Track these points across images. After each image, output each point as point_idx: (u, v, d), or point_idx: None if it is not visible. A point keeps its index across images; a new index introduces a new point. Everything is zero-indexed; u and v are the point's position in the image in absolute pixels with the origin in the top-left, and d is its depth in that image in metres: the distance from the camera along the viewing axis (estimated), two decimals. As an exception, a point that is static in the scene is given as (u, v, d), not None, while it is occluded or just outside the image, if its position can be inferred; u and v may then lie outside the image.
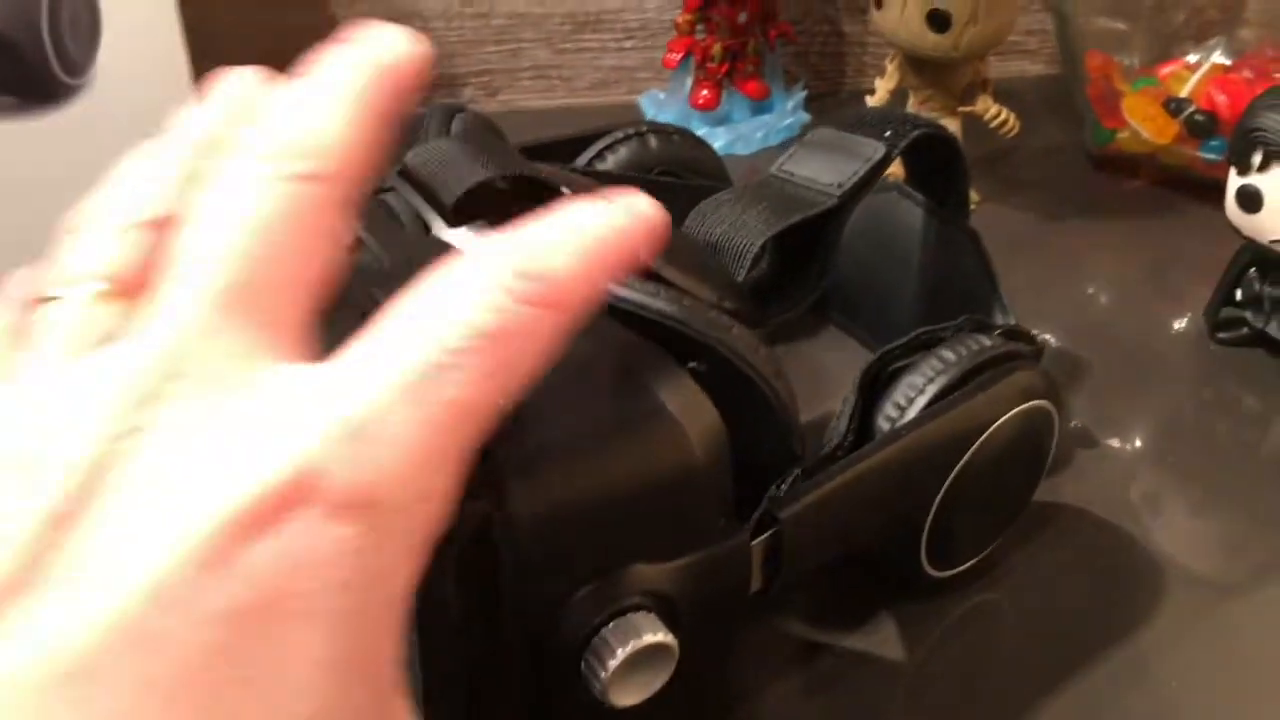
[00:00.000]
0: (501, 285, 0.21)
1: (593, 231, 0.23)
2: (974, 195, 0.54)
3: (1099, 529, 0.38)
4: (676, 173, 0.42)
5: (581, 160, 0.42)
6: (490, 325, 0.21)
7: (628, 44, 0.63)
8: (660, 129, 0.43)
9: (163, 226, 0.23)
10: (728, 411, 0.27)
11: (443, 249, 0.30)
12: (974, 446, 0.32)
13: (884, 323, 0.42)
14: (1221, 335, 0.46)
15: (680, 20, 0.57)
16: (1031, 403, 0.33)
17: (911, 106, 0.54)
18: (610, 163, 0.42)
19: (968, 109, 0.53)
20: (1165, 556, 0.37)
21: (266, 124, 0.23)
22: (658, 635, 0.25)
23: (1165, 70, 0.57)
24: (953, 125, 0.53)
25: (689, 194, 0.40)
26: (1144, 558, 0.37)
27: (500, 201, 0.31)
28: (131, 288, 0.22)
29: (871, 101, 0.55)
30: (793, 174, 0.37)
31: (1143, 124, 0.53)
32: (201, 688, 0.18)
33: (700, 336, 0.28)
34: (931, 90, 0.53)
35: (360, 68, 0.24)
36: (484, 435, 0.21)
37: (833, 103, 0.64)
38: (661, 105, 0.61)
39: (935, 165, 0.39)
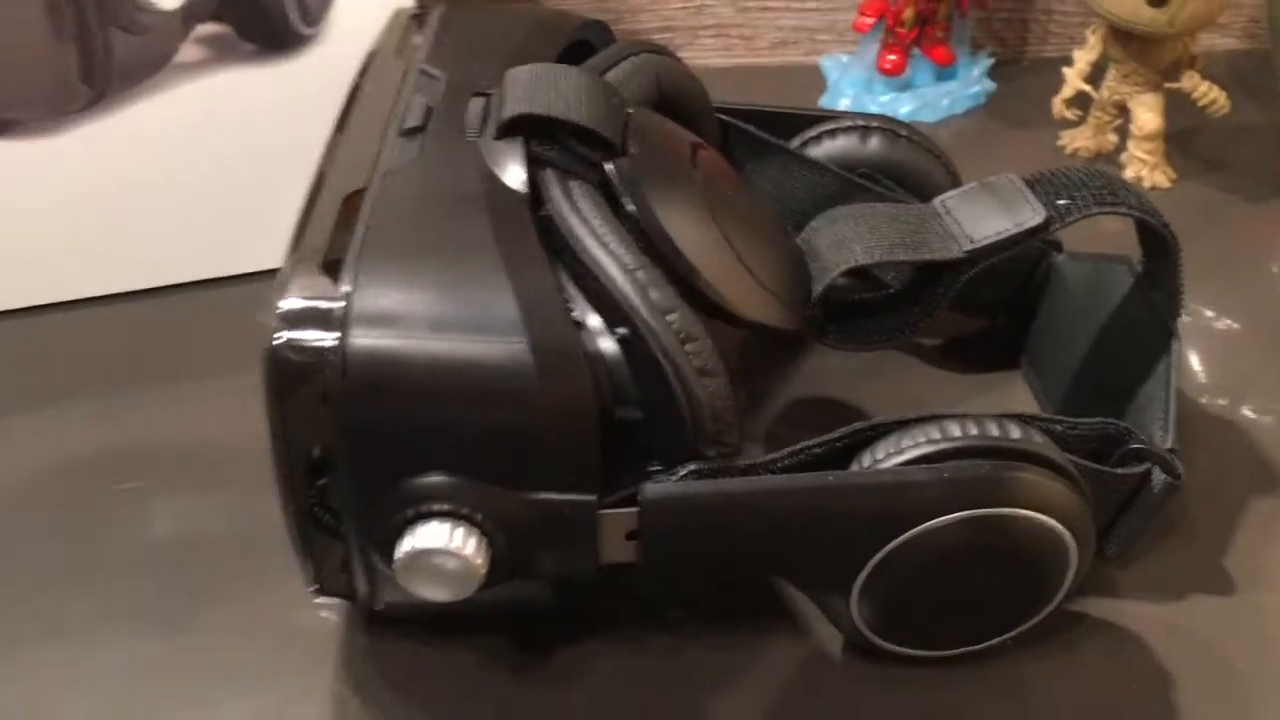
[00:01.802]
0: None
1: None
2: (1169, 174, 0.54)
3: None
4: (884, 174, 0.42)
5: (796, 141, 0.43)
6: None
7: (810, 5, 0.63)
8: (891, 126, 0.43)
9: None
10: (634, 387, 0.29)
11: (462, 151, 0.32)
12: (917, 529, 0.30)
13: (1059, 389, 0.41)
14: None
15: (875, -16, 0.57)
16: (1023, 512, 0.30)
17: (1110, 81, 0.54)
18: (824, 148, 0.42)
19: (1174, 86, 0.52)
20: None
21: None
22: (460, 545, 0.28)
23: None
24: (1154, 102, 0.53)
25: (878, 199, 0.40)
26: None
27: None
28: None
29: (1068, 73, 0.55)
30: (949, 210, 0.37)
31: (1354, 107, 0.52)
32: None
33: (625, 308, 0.29)
34: (1135, 64, 0.52)
35: None
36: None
37: (1017, 70, 0.63)
38: (845, 69, 0.61)
39: (1150, 247, 0.37)
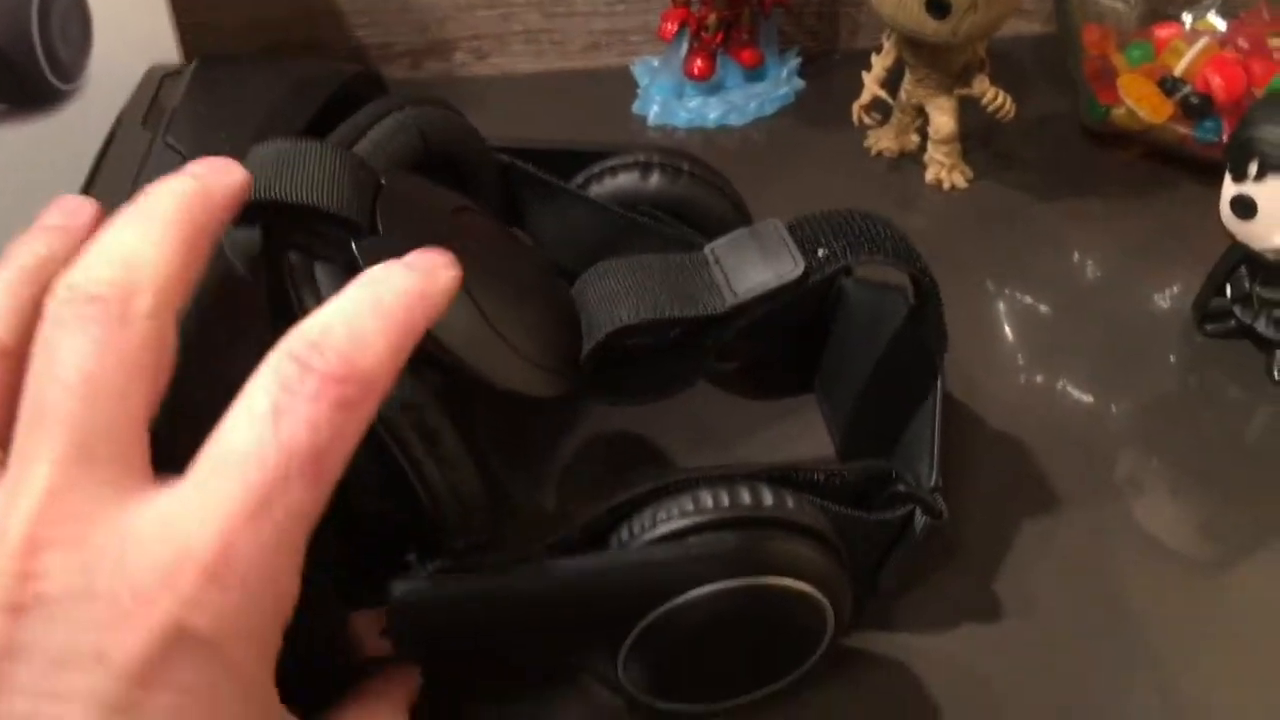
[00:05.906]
0: (322, 398, 0.23)
1: (403, 314, 0.25)
2: (966, 174, 0.55)
3: (1083, 521, 0.40)
4: (667, 211, 0.42)
5: (579, 179, 0.42)
6: (312, 443, 0.23)
7: (620, 7, 0.62)
8: (671, 161, 0.42)
9: (6, 357, 0.25)
10: (377, 479, 0.29)
11: None
12: (668, 605, 0.30)
13: (843, 418, 0.42)
14: (1209, 327, 0.47)
15: (676, -9, 0.57)
16: (774, 580, 0.31)
17: (907, 85, 0.54)
18: (605, 186, 0.42)
19: (964, 91, 0.53)
20: (1148, 538, 0.40)
21: (88, 260, 0.25)
22: None
23: (1161, 33, 0.56)
24: (948, 106, 0.53)
25: (661, 237, 0.40)
26: (1127, 539, 0.40)
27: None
28: None
29: (866, 78, 0.55)
30: (719, 259, 0.36)
31: (1138, 103, 0.53)
32: None
33: None
34: (928, 70, 0.53)
35: (178, 196, 0.27)
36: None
37: (829, 64, 0.63)
38: (655, 73, 0.60)
39: (915, 288, 0.37)
